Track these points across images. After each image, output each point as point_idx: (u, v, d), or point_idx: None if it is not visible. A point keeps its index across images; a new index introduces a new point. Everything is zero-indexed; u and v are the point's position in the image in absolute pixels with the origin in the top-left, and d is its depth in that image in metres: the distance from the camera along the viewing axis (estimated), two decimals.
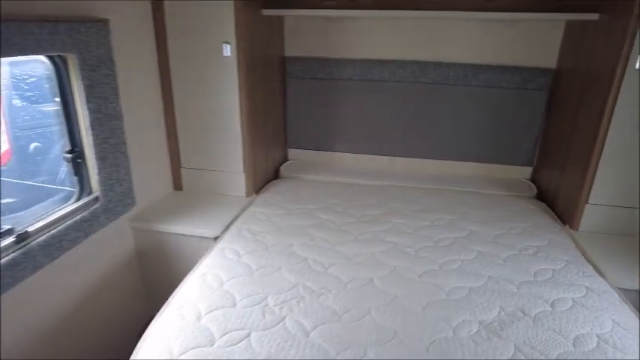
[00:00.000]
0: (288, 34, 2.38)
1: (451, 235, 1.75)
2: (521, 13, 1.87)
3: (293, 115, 2.50)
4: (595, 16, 1.76)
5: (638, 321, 1.27)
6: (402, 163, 2.48)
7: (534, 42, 2.16)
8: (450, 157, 2.42)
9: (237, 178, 2.05)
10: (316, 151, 2.56)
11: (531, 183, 2.32)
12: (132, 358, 1.13)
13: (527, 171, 2.38)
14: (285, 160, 2.61)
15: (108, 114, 1.56)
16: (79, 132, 1.50)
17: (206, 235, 1.76)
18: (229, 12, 1.78)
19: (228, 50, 1.83)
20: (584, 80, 1.85)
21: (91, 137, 1.50)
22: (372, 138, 2.46)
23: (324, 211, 1.95)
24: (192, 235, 1.78)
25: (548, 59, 2.17)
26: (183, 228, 1.79)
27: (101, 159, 1.56)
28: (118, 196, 1.67)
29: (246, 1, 1.81)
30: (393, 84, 2.31)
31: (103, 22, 1.49)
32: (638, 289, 1.48)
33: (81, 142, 1.52)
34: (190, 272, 1.49)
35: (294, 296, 1.33)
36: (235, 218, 1.87)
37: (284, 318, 1.24)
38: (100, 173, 1.56)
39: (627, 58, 1.56)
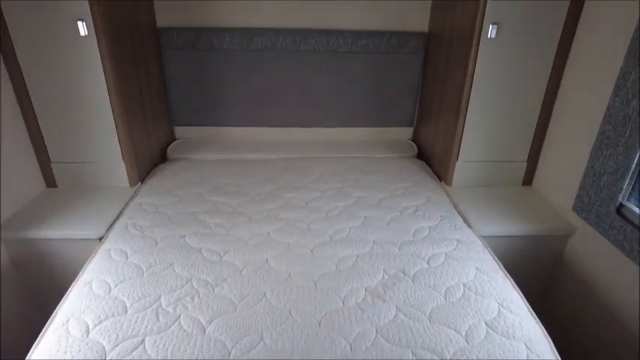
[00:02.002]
0: (158, 3, 2.18)
1: (340, 203, 1.84)
2: None
3: (175, 91, 2.35)
4: None
5: (496, 265, 1.48)
6: (292, 133, 2.50)
7: (408, 7, 2.25)
8: (338, 123, 2.49)
9: (117, 168, 1.91)
10: (204, 127, 2.47)
11: (412, 143, 2.50)
12: None
13: (409, 131, 2.55)
14: (173, 139, 2.48)
15: None
16: None
17: (89, 237, 1.64)
18: None
19: (84, 28, 1.63)
20: (450, 44, 1.99)
21: None
22: (261, 109, 2.43)
23: (217, 193, 1.92)
24: (73, 239, 1.64)
25: (421, 24, 2.29)
26: (62, 231, 1.64)
27: None
28: None
29: None
30: (276, 53, 2.27)
31: None
32: (496, 234, 1.71)
33: None
34: (74, 281, 1.39)
35: (189, 292, 1.32)
36: (120, 213, 1.76)
37: (179, 317, 1.23)
38: None
39: (481, 26, 1.70)
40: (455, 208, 1.84)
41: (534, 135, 1.93)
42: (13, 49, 1.66)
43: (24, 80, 1.72)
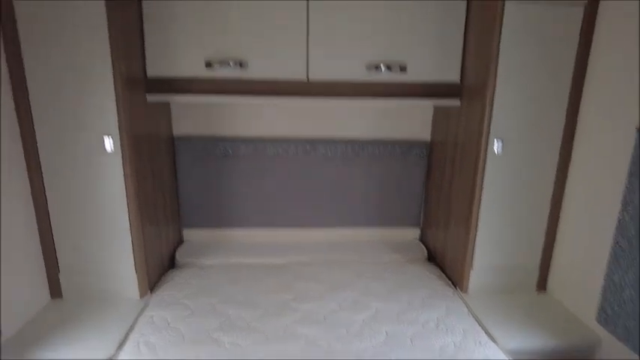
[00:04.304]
0: (175, 113, 2.29)
1: (359, 317, 1.79)
2: (395, 100, 2.02)
3: (187, 195, 2.38)
4: (457, 102, 2.03)
5: None
6: (302, 234, 2.51)
7: (411, 120, 2.40)
8: (346, 224, 2.53)
9: (127, 278, 1.86)
10: (214, 229, 2.46)
11: (421, 244, 2.52)
12: None
13: (415, 232, 2.58)
14: (181, 241, 2.45)
15: None
16: None
17: (97, 357, 1.54)
18: (110, 102, 1.65)
19: (110, 144, 1.69)
20: (454, 152, 2.09)
21: None
22: (271, 212, 2.46)
23: (229, 303, 1.86)
24: None
25: (424, 133, 2.43)
26: (67, 352, 1.53)
27: None
28: None
29: (130, 89, 1.70)
30: (287, 159, 2.36)
31: None
32: (521, 349, 1.66)
33: None
34: None
35: None
36: (130, 329, 1.67)
37: None
38: None
39: (487, 141, 1.81)
40: (476, 319, 1.80)
41: (545, 241, 1.97)
42: (38, 159, 1.70)
43: (44, 191, 1.73)
